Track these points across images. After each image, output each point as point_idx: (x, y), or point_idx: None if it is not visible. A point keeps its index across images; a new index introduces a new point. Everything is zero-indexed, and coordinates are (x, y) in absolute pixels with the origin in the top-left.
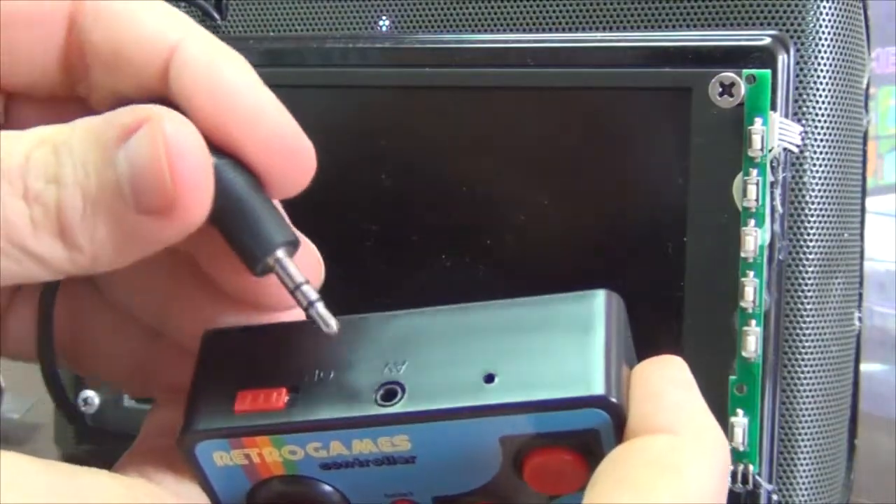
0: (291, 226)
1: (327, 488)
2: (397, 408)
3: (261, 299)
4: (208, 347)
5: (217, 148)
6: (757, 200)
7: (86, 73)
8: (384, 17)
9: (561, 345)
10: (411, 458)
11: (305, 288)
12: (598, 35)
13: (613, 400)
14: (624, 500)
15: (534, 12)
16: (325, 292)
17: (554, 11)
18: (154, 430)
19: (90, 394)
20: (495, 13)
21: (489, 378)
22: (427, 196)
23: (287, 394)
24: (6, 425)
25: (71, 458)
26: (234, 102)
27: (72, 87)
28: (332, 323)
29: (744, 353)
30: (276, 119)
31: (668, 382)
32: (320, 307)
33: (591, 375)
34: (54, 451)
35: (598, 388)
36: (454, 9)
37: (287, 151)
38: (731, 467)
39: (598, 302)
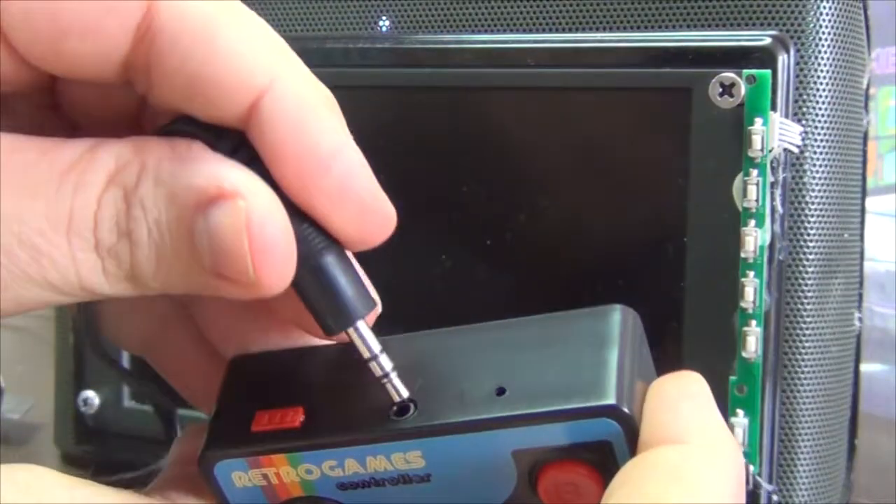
0: (370, 288)
1: None
2: (409, 422)
3: (316, 331)
4: (233, 372)
5: (295, 205)
6: (757, 201)
7: (148, 82)
8: (384, 18)
9: (574, 359)
10: (426, 477)
11: (382, 358)
12: (598, 35)
13: (625, 410)
14: None
15: (534, 12)
16: None
17: (554, 11)
18: (181, 457)
19: (90, 394)
20: (495, 13)
21: (500, 391)
22: (427, 196)
23: (303, 413)
24: (6, 425)
25: (70, 457)
26: (324, 174)
27: (129, 84)
28: (405, 394)
29: (744, 354)
30: (365, 188)
31: (682, 396)
32: (395, 378)
33: (603, 386)
34: (54, 452)
35: (609, 398)
36: (454, 9)
37: (372, 222)
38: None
39: (613, 317)
